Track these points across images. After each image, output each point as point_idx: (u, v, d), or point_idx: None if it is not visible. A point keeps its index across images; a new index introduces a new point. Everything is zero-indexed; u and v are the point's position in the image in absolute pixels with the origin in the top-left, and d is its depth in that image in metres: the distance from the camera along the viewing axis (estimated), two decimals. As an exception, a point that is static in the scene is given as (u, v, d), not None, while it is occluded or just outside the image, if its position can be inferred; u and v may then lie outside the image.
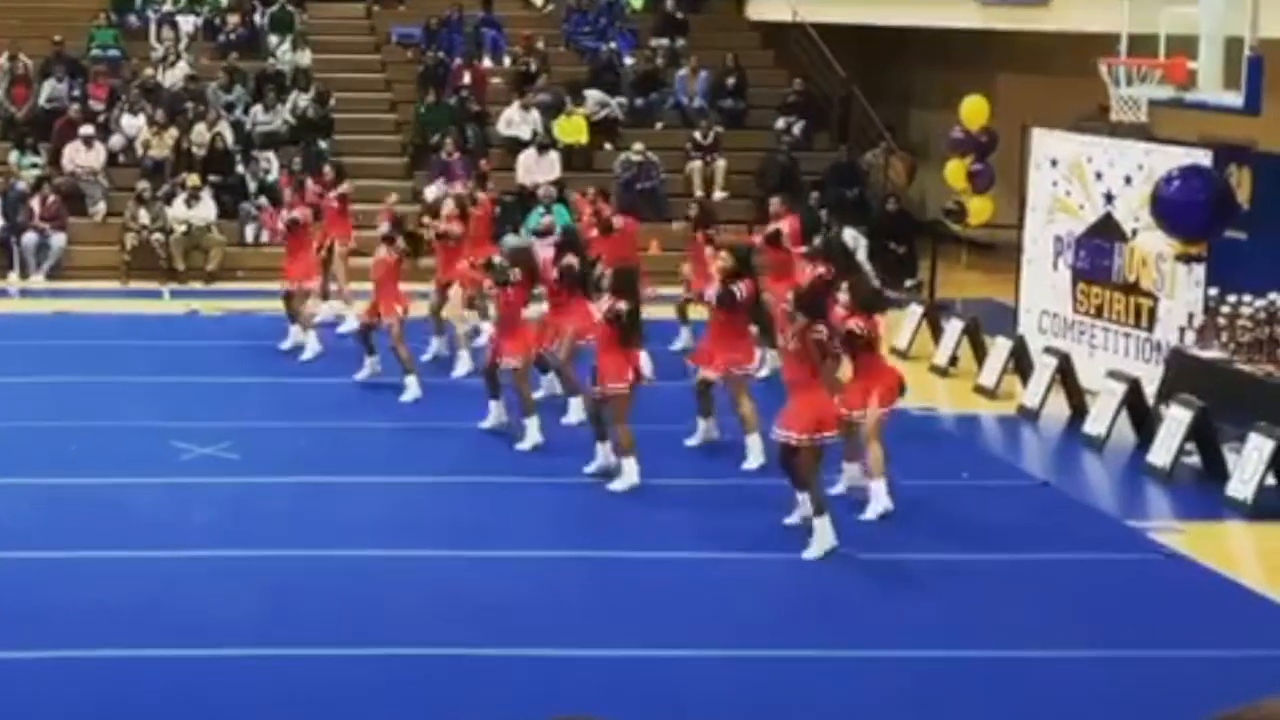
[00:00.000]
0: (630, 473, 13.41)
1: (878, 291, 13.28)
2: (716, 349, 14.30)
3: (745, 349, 14.42)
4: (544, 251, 16.81)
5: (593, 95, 26.26)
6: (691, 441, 14.77)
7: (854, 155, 25.66)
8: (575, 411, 15.31)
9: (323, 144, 25.05)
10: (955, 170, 19.86)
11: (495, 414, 15.20)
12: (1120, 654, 10.29)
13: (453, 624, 10.54)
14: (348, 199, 20.02)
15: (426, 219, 18.57)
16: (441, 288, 18.00)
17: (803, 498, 12.11)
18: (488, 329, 17.52)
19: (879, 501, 12.73)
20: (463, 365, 17.35)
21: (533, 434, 14.64)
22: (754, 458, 14.01)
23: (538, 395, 15.55)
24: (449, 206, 18.42)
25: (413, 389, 16.36)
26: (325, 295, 19.69)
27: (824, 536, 11.86)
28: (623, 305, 13.29)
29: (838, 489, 13.01)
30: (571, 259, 15.38)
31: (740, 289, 13.92)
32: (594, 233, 17.99)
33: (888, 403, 12.91)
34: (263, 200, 24.04)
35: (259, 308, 20.87)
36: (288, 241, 18.84)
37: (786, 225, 17.63)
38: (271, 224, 22.19)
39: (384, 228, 17.06)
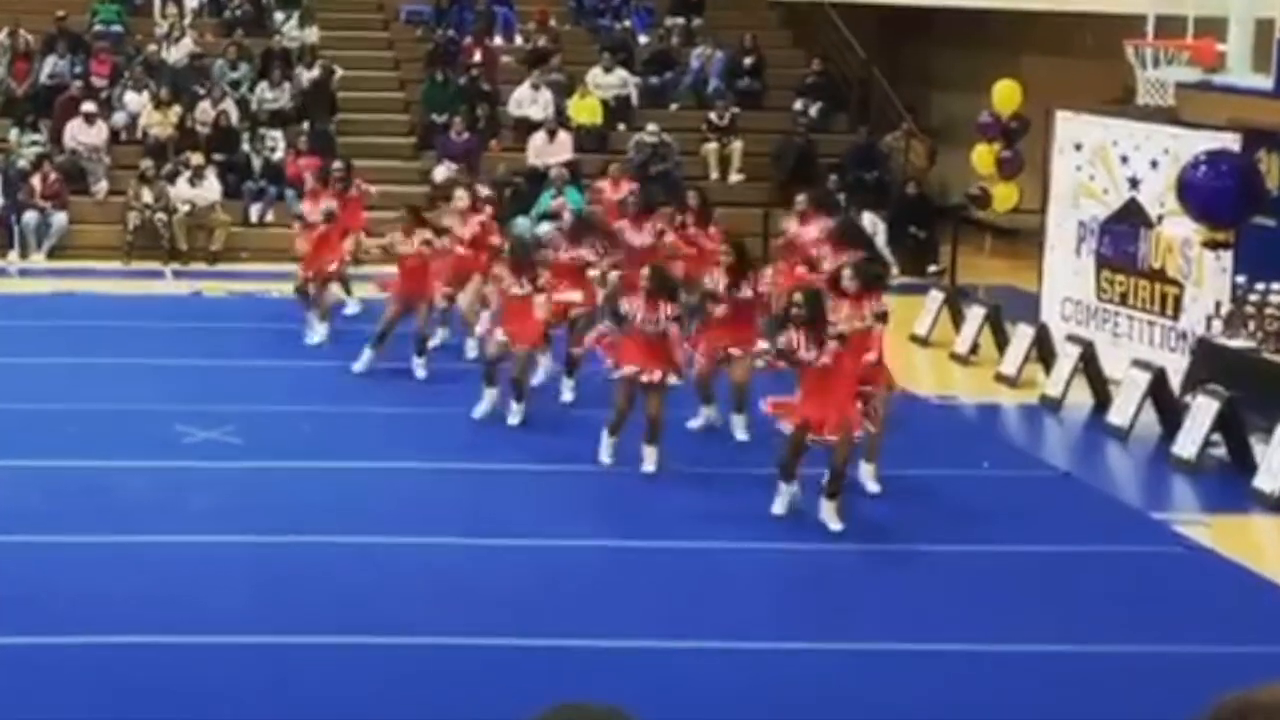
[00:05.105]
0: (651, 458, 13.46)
1: (878, 274, 12.88)
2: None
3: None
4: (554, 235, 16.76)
5: (619, 72, 25.90)
6: (694, 424, 14.66)
7: (873, 138, 25.32)
8: (569, 390, 15.38)
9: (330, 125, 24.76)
10: (983, 155, 19.50)
11: (489, 400, 15.01)
12: (1142, 649, 10.12)
13: (456, 612, 10.40)
14: (362, 196, 19.50)
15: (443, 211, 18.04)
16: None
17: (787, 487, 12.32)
18: (486, 318, 17.32)
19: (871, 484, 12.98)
20: (473, 350, 17.05)
21: (517, 413, 14.73)
22: (741, 432, 14.30)
23: (538, 381, 15.47)
24: (461, 201, 17.92)
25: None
26: (348, 289, 19.17)
27: (832, 519, 12.03)
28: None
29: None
30: (584, 249, 15.91)
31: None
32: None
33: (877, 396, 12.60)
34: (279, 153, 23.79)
35: (264, 289, 20.61)
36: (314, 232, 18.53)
37: (818, 230, 16.95)
38: (296, 171, 22.12)
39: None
